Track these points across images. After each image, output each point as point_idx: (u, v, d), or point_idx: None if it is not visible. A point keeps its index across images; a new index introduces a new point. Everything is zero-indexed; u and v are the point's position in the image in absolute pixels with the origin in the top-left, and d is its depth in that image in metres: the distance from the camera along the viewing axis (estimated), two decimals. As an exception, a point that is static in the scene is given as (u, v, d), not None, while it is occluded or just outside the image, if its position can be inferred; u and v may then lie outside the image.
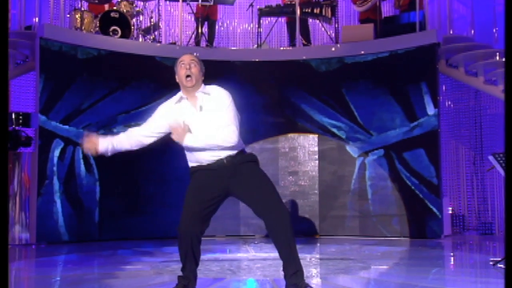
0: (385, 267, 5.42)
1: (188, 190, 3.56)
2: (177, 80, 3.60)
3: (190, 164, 3.63)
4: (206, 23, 9.19)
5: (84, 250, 6.88)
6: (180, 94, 3.61)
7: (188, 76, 3.52)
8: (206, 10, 8.98)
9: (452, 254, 6.75)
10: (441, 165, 7.99)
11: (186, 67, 3.52)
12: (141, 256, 6.30)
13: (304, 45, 9.07)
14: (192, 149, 3.53)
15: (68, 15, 8.53)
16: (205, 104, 3.53)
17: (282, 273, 3.54)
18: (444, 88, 8.86)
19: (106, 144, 3.59)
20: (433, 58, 8.06)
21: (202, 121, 3.50)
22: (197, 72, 3.55)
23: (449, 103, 9.01)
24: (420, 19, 8.33)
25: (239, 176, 3.50)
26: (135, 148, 3.68)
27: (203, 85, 3.61)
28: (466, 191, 8.81)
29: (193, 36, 9.12)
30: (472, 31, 8.73)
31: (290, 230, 3.42)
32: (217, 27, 9.58)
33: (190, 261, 3.50)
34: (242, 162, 3.53)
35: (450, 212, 8.50)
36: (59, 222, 7.55)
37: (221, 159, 3.50)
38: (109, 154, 3.62)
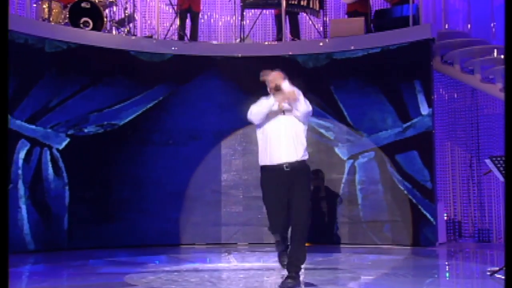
0: (375, 277, 5.42)
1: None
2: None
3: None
4: (188, 15, 9.09)
5: (52, 260, 6.85)
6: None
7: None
8: (188, 1, 8.91)
9: (447, 263, 6.80)
10: (435, 168, 8.03)
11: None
12: (114, 267, 6.30)
13: (290, 39, 9.05)
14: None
15: (34, 5, 8.43)
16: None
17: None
18: (438, 86, 8.90)
19: None
20: (427, 54, 8.09)
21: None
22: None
23: (444, 102, 9.05)
24: (414, 12, 8.36)
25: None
26: None
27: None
28: (462, 196, 8.86)
29: (171, 28, 9.06)
30: (469, 26, 8.79)
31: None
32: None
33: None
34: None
35: (445, 218, 8.55)
36: (25, 230, 7.47)
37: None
38: None
